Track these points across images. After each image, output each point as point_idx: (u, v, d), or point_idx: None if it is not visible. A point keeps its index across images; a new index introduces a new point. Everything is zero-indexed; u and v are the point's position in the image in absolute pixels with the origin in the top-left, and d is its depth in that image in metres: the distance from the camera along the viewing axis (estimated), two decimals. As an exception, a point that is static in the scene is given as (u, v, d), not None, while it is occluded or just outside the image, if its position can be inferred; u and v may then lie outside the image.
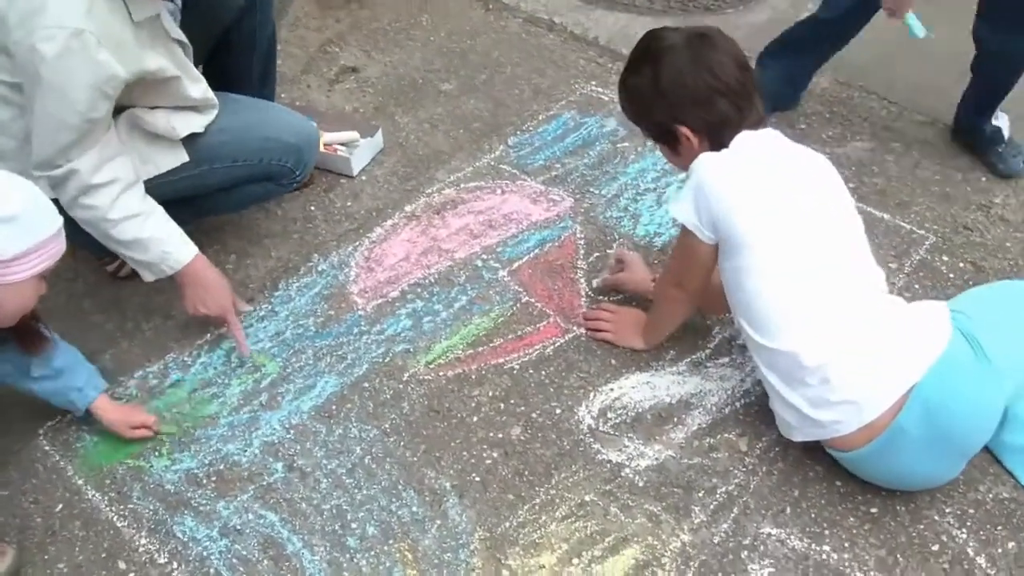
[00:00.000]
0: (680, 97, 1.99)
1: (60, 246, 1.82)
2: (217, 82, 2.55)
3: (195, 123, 2.29)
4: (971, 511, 2.03)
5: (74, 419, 2.24)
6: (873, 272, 2.03)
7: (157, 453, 2.18)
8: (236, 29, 2.54)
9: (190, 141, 2.30)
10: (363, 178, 2.91)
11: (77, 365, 2.13)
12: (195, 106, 2.28)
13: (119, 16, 2.00)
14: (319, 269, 2.62)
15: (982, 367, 1.91)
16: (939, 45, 2.93)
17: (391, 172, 2.93)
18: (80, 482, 2.13)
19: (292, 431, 2.21)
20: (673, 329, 2.35)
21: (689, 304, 2.28)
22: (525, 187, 2.86)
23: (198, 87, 2.26)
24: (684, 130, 2.01)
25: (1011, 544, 1.97)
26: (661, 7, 3.71)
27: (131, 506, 2.07)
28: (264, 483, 2.11)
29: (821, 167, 2.08)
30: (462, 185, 2.87)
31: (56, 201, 1.91)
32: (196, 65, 2.36)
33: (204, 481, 2.12)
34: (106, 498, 2.09)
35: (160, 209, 2.22)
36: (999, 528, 2.00)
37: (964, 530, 2.00)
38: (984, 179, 2.94)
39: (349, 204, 2.82)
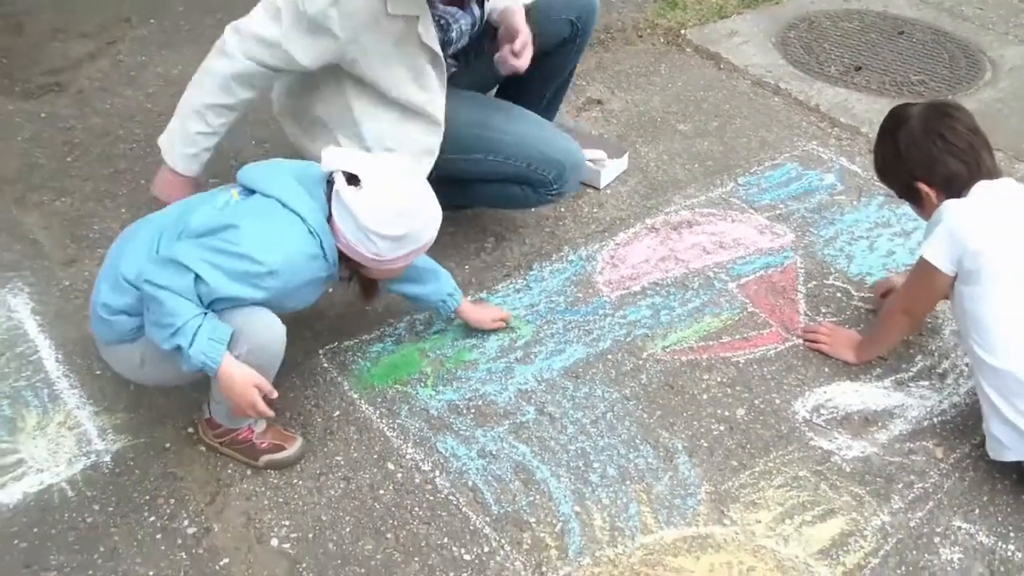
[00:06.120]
0: (915, 159, 2.33)
1: (430, 243, 2.18)
2: (511, 95, 2.93)
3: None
4: None
5: (351, 345, 2.58)
6: None
7: (423, 384, 2.49)
8: (547, 58, 2.87)
9: (481, 133, 2.67)
10: (608, 191, 3.23)
11: (441, 276, 2.49)
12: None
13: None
14: (569, 259, 2.93)
15: None
16: None
17: (633, 191, 3.25)
18: (355, 396, 2.46)
19: (543, 384, 2.50)
20: (887, 349, 2.61)
21: (910, 328, 2.57)
22: (752, 219, 3.13)
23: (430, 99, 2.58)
24: (922, 186, 2.33)
25: None
26: (877, 87, 3.96)
27: (399, 422, 2.39)
28: (518, 421, 2.40)
29: None
30: (696, 209, 3.16)
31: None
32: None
33: (464, 412, 2.42)
34: (377, 412, 2.41)
35: None
36: None
37: None
38: None
39: (595, 211, 3.14)
